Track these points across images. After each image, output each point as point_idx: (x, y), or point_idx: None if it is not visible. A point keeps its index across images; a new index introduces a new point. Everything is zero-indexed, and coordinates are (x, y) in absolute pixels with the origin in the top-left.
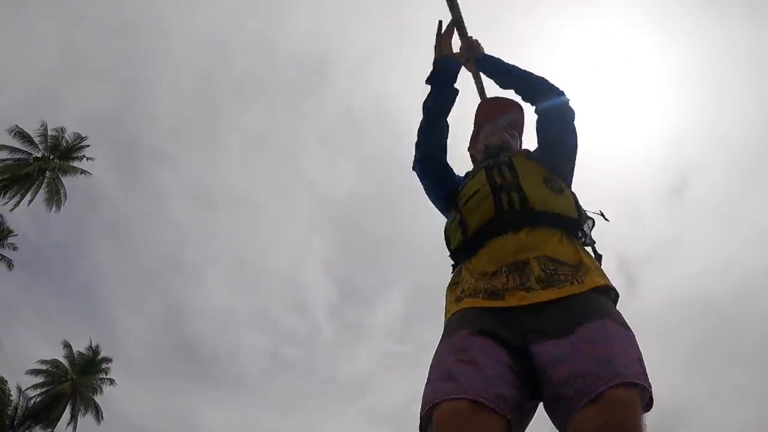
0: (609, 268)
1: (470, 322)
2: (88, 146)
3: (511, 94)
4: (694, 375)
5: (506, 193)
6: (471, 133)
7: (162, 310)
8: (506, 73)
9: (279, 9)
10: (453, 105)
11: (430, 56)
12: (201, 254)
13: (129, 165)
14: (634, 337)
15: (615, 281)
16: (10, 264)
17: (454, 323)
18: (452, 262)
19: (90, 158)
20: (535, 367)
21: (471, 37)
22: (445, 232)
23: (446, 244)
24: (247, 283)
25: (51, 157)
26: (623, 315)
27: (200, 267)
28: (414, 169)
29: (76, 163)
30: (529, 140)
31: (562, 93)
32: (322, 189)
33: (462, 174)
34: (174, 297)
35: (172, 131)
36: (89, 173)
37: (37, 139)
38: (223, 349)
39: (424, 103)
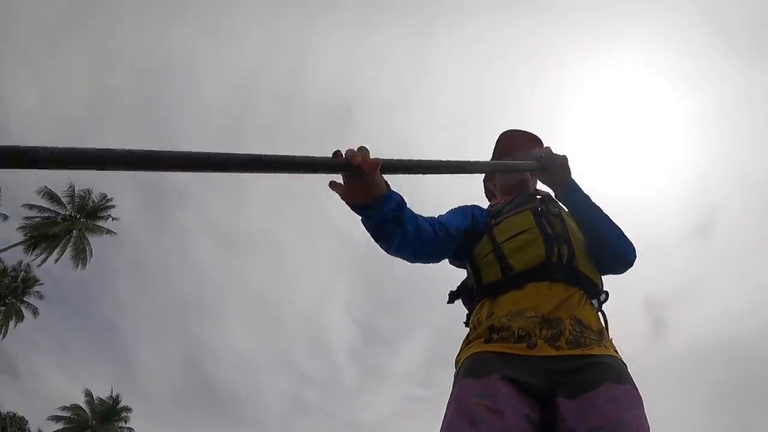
0: (636, 311)
1: (500, 366)
2: (114, 206)
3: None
4: (721, 418)
5: (557, 244)
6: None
7: (182, 349)
8: (591, 220)
9: (306, 52)
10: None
11: (453, 100)
12: (223, 295)
13: (155, 205)
14: (646, 415)
15: (642, 324)
16: (35, 311)
17: (481, 363)
18: (455, 289)
19: (115, 218)
20: (556, 419)
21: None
22: (473, 260)
23: (474, 274)
24: (268, 325)
25: (78, 216)
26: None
27: (222, 308)
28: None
29: (101, 223)
30: None
31: (633, 251)
32: (345, 231)
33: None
34: (195, 337)
35: (197, 175)
36: (114, 233)
37: (65, 200)
38: (244, 390)
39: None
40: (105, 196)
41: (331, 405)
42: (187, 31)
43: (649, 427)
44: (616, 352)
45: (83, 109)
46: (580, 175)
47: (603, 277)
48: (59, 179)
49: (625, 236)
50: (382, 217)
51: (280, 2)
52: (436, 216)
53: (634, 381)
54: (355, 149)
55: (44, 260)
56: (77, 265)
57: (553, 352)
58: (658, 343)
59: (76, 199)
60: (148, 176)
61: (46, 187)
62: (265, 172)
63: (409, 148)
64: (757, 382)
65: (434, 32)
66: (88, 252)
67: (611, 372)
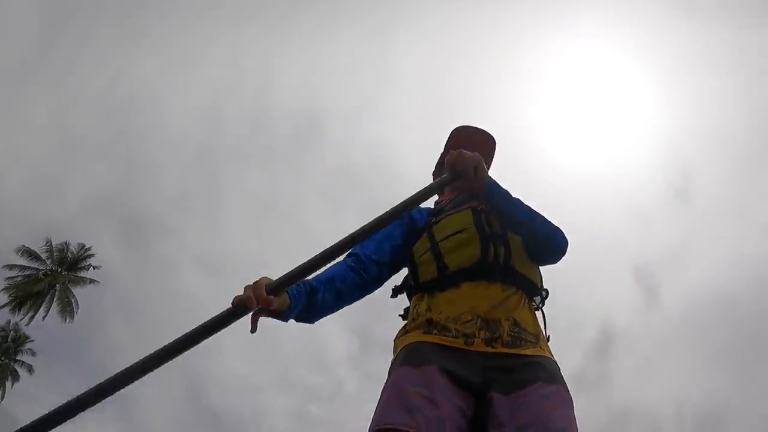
0: (626, 282)
1: (437, 357)
2: (93, 255)
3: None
4: (726, 375)
5: (494, 244)
6: (438, 158)
7: (182, 381)
8: (513, 215)
9: (267, 72)
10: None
11: (418, 97)
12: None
13: (135, 240)
14: (575, 418)
15: (635, 294)
16: (30, 369)
17: (420, 352)
18: (396, 284)
19: (96, 267)
20: (489, 414)
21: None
22: (411, 257)
23: (412, 271)
24: (264, 347)
25: (59, 270)
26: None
27: (216, 336)
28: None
29: (83, 273)
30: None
31: (563, 238)
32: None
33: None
34: (192, 367)
35: (176, 202)
36: (97, 281)
37: (44, 255)
38: (248, 415)
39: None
40: (83, 246)
41: (336, 415)
42: (148, 63)
43: (577, 427)
44: (551, 354)
45: (52, 154)
46: (557, 152)
47: (544, 267)
48: (36, 234)
49: (551, 223)
50: (295, 316)
51: (237, 22)
52: (367, 246)
53: (566, 383)
54: (250, 285)
55: (32, 318)
56: (65, 319)
57: (489, 350)
58: (654, 310)
59: (56, 253)
60: (126, 215)
61: (23, 245)
62: (183, 352)
63: (379, 150)
64: (755, 333)
65: (391, 32)
66: (74, 304)
67: (544, 372)
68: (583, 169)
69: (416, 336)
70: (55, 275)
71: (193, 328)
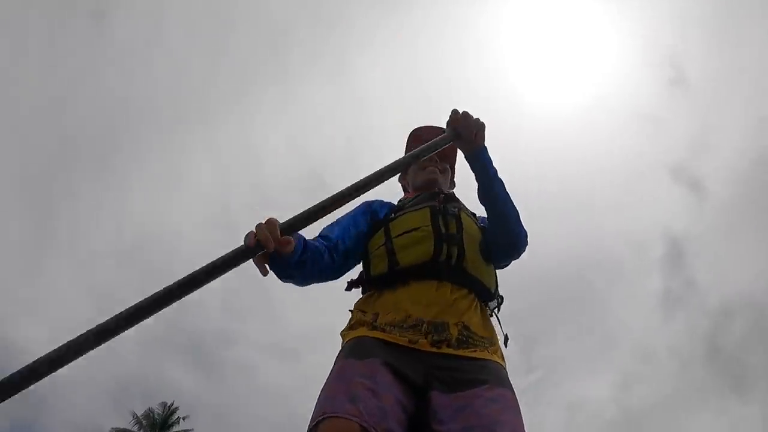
0: (669, 187)
1: (382, 352)
2: (177, 408)
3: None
4: None
5: (447, 244)
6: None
7: None
8: (491, 184)
9: (260, 152)
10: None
11: (391, 115)
12: (312, 403)
13: (204, 361)
14: (523, 422)
15: (681, 193)
16: None
17: (364, 346)
18: (351, 278)
19: (185, 417)
20: (428, 412)
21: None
22: (365, 251)
23: (363, 264)
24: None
25: None
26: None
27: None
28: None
29: (176, 428)
30: (462, 168)
31: (525, 234)
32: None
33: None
34: None
35: (225, 310)
36: (191, 430)
37: (135, 429)
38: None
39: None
40: (165, 404)
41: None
42: (139, 198)
43: (521, 430)
44: (502, 359)
45: (91, 315)
46: (537, 92)
47: (500, 265)
48: (113, 397)
49: (521, 222)
50: (288, 267)
51: (205, 126)
52: (334, 230)
53: (514, 388)
54: (262, 224)
55: None
56: None
57: (435, 350)
58: (705, 200)
59: (144, 421)
60: (185, 344)
61: (113, 429)
62: (193, 290)
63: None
64: None
65: (348, 64)
66: None
67: (492, 375)
68: (570, 102)
69: (362, 331)
70: None
71: (205, 264)
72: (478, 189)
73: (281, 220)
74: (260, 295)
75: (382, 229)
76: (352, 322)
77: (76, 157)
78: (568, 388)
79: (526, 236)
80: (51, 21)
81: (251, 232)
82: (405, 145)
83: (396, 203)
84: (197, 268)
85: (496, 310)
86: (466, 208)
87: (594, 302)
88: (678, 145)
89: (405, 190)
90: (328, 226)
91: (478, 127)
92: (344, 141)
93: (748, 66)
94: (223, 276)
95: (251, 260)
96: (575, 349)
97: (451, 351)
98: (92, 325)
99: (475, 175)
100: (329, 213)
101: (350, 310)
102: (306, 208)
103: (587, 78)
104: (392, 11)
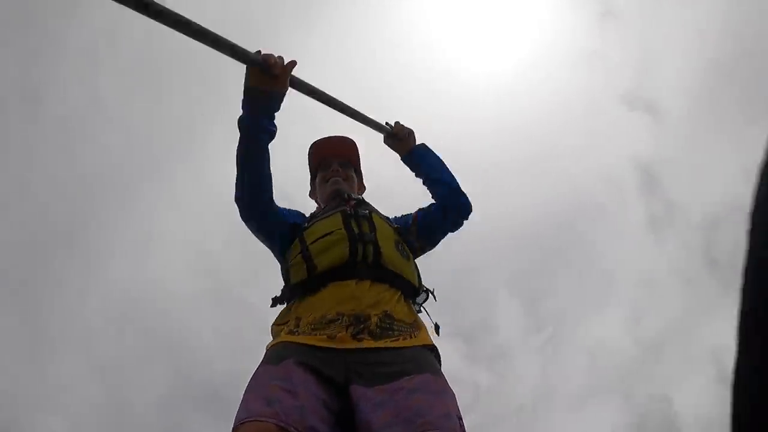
0: (621, 114)
1: (297, 353)
2: None
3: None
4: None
5: (362, 244)
6: (309, 179)
7: None
8: (435, 171)
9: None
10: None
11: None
12: None
13: (227, 412)
14: (455, 397)
15: (637, 119)
16: None
17: (280, 351)
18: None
19: None
20: (353, 409)
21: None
22: (284, 262)
23: (284, 275)
24: None
25: None
26: None
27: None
28: (241, 202)
29: None
30: (371, 169)
31: (468, 201)
32: None
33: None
34: None
35: (229, 375)
36: None
37: None
38: None
39: (246, 128)
40: None
41: None
42: (118, 269)
43: (450, 412)
44: (428, 338)
45: (102, 403)
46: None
47: (449, 233)
48: None
49: (462, 189)
50: (267, 121)
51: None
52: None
53: (438, 366)
54: (275, 55)
55: None
56: None
57: (355, 345)
58: (662, 119)
59: None
60: (204, 395)
61: None
62: (197, 38)
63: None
64: None
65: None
66: None
67: (413, 362)
68: (511, 59)
69: (283, 337)
70: None
71: (218, 34)
72: (422, 180)
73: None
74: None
75: (297, 238)
76: (274, 332)
77: (45, 243)
78: (582, 335)
79: (470, 202)
80: None
81: (271, 55)
82: (307, 158)
83: (308, 216)
84: (213, 31)
85: (424, 304)
86: (378, 211)
87: (584, 246)
88: (624, 74)
89: (318, 204)
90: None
91: (409, 131)
92: (302, 150)
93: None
94: (227, 242)
95: (246, 66)
96: (578, 296)
97: (371, 344)
98: (108, 404)
99: (416, 168)
100: (316, 99)
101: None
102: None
103: (522, 32)
104: (318, 12)
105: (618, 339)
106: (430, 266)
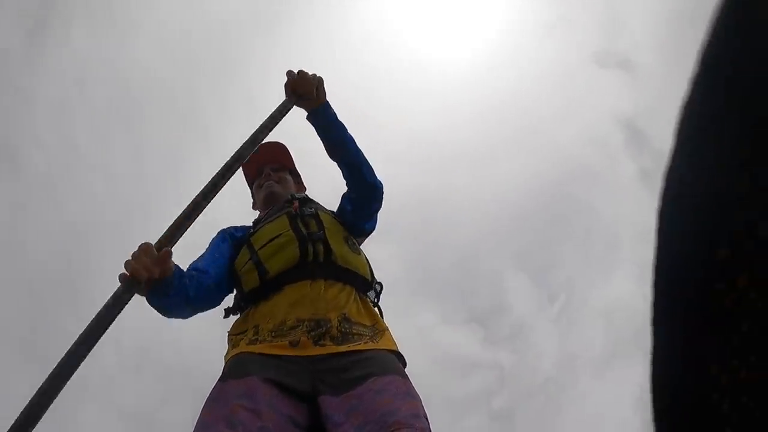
0: (594, 74)
1: (260, 367)
2: None
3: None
4: None
5: (312, 243)
6: (250, 193)
7: None
8: (340, 138)
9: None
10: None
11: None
12: None
13: None
14: (421, 400)
15: (613, 76)
16: None
17: (242, 364)
18: (228, 306)
19: None
20: (324, 421)
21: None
22: (235, 272)
23: (236, 284)
24: None
25: None
26: None
27: None
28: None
29: None
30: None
31: (376, 176)
32: None
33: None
34: None
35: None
36: None
37: None
38: None
39: (160, 309)
40: None
41: None
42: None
43: (417, 411)
44: (392, 343)
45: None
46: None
47: (366, 222)
48: None
49: (374, 172)
50: (168, 295)
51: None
52: (201, 262)
53: (404, 369)
54: (138, 252)
55: None
56: None
57: (317, 351)
58: (638, 74)
59: None
60: None
61: None
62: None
63: None
64: None
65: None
66: None
67: (377, 365)
68: (478, 38)
69: (242, 347)
70: None
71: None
72: (326, 146)
73: None
74: None
75: (245, 246)
76: (233, 341)
77: (48, 298)
78: (595, 298)
79: (382, 186)
80: None
81: (122, 272)
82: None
83: (251, 224)
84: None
85: (376, 300)
86: (323, 207)
87: (582, 211)
88: (592, 35)
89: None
90: (193, 262)
91: (317, 82)
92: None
93: None
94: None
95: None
96: (585, 260)
97: (334, 349)
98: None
99: (321, 133)
100: (187, 226)
101: (228, 332)
102: None
103: (485, 15)
104: (277, 20)
105: (631, 296)
106: (435, 260)
